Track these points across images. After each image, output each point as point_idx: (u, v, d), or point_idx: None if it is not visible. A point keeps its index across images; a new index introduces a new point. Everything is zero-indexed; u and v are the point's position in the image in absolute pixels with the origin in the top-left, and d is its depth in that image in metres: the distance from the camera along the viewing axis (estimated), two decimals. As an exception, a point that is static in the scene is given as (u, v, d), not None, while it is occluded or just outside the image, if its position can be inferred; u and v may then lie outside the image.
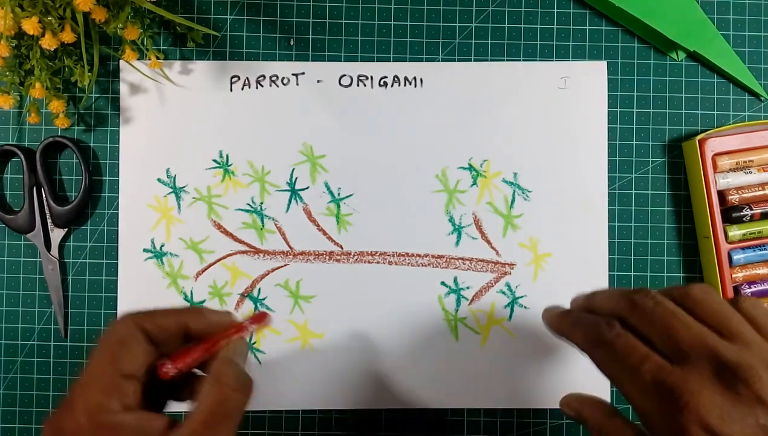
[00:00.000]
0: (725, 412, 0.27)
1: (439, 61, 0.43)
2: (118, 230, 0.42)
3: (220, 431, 0.30)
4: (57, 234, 0.42)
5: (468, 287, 0.43)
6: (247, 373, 0.32)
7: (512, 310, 0.43)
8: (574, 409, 0.35)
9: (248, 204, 0.43)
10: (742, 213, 0.41)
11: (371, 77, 0.43)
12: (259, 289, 0.42)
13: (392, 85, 0.43)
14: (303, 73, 0.43)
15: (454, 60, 0.43)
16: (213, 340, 0.33)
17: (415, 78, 0.43)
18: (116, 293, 0.42)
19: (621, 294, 0.32)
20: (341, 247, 0.43)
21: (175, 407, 0.33)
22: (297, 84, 0.43)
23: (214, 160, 0.43)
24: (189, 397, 0.33)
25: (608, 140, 0.43)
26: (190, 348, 0.32)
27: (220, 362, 0.32)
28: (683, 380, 0.28)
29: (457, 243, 0.43)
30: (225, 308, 0.42)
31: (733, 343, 0.29)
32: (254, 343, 0.42)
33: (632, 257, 0.43)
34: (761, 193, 0.42)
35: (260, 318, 0.34)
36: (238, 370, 0.32)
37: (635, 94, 0.43)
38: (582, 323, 0.33)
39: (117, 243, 0.42)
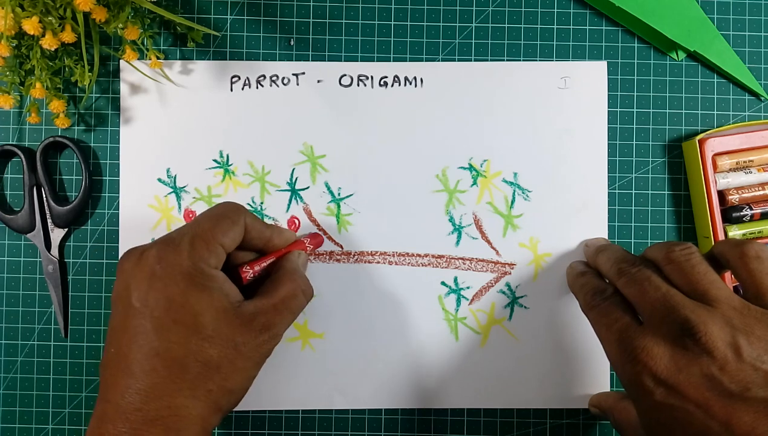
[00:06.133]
0: (673, 363, 0.30)
1: (439, 61, 0.43)
2: (118, 230, 0.42)
3: (283, 319, 0.35)
4: (57, 234, 0.42)
5: (468, 287, 0.43)
6: (310, 283, 0.37)
7: (512, 310, 0.43)
8: (595, 405, 0.41)
9: (248, 204, 0.43)
10: (742, 213, 0.41)
11: (371, 77, 0.43)
12: (259, 289, 0.42)
13: (392, 85, 0.43)
14: (303, 73, 0.43)
15: (454, 60, 0.43)
16: (280, 252, 0.39)
17: (415, 78, 0.43)
18: (116, 293, 0.42)
19: (614, 261, 0.36)
20: (341, 247, 0.43)
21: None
22: (297, 84, 0.43)
23: (215, 160, 0.43)
24: None
25: (608, 140, 0.43)
26: (264, 258, 0.38)
27: (294, 264, 0.38)
28: (641, 336, 0.31)
29: (457, 243, 0.43)
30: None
31: (699, 302, 0.31)
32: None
33: (632, 256, 0.43)
34: (761, 193, 0.42)
35: (315, 237, 0.42)
36: (305, 277, 0.38)
37: (635, 94, 0.43)
38: (584, 288, 0.37)
39: (117, 243, 0.42)
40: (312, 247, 0.41)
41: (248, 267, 0.37)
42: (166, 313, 0.31)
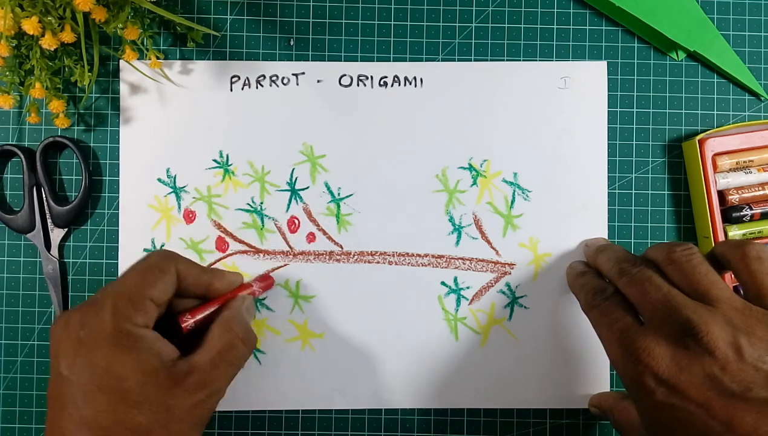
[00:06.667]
0: (674, 363, 0.30)
1: (439, 61, 0.43)
2: (118, 230, 0.42)
3: (222, 374, 0.33)
4: (57, 234, 0.42)
5: (468, 287, 0.43)
6: (253, 330, 0.36)
7: (512, 310, 0.43)
8: (595, 405, 0.41)
9: (248, 204, 0.43)
10: (742, 213, 0.41)
11: (371, 77, 0.43)
12: (259, 289, 0.42)
13: (392, 85, 0.43)
14: (303, 73, 0.43)
15: (454, 60, 0.43)
16: (224, 297, 0.36)
17: (415, 78, 0.43)
18: (116, 293, 0.42)
19: (614, 261, 0.36)
20: (341, 247, 0.43)
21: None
22: (297, 84, 0.43)
23: (214, 160, 0.43)
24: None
25: (608, 140, 0.43)
26: (205, 304, 0.35)
27: (233, 311, 0.36)
28: (642, 336, 0.31)
29: (457, 243, 0.43)
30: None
31: (700, 302, 0.31)
32: (254, 343, 0.42)
33: (632, 256, 0.43)
34: (761, 193, 0.42)
35: (265, 279, 0.39)
36: (247, 324, 0.36)
37: (635, 94, 0.43)
38: (585, 288, 0.37)
39: (117, 243, 0.42)
40: (261, 290, 0.39)
41: (189, 315, 0.34)
42: (91, 380, 0.30)
